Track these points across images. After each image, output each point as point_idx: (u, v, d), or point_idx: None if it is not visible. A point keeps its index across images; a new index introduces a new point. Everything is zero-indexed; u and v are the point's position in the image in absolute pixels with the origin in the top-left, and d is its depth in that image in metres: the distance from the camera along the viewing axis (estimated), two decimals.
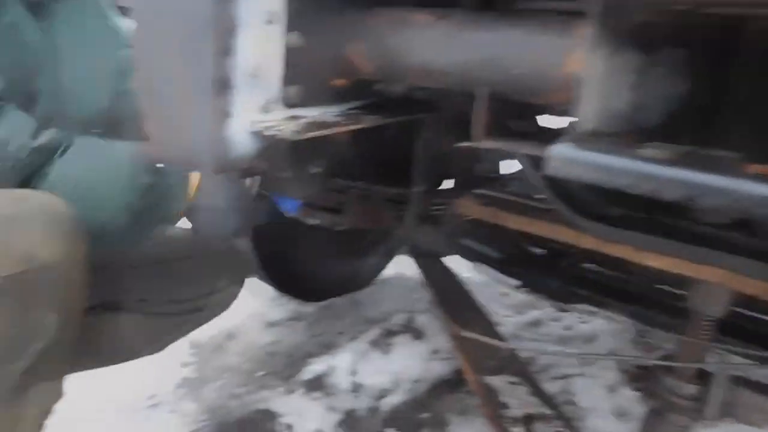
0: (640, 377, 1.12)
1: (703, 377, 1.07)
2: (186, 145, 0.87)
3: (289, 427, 1.71)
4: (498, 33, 0.81)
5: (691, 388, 1.06)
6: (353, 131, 1.05)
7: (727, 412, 1.04)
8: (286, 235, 2.05)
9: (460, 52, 0.83)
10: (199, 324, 1.45)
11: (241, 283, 1.50)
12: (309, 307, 2.32)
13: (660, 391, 1.08)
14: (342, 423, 1.74)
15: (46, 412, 1.02)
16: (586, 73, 0.55)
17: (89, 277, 1.00)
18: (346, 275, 2.36)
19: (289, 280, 2.18)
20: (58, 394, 1.02)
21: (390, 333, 2.17)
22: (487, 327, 1.85)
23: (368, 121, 1.01)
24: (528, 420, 1.68)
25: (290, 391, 1.85)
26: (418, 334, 2.18)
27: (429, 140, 1.24)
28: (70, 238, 0.91)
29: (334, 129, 0.92)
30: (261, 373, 1.93)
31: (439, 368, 2.00)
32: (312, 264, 2.21)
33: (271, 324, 2.22)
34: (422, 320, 2.23)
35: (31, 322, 0.88)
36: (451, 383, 1.95)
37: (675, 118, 0.63)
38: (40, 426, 1.02)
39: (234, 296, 1.49)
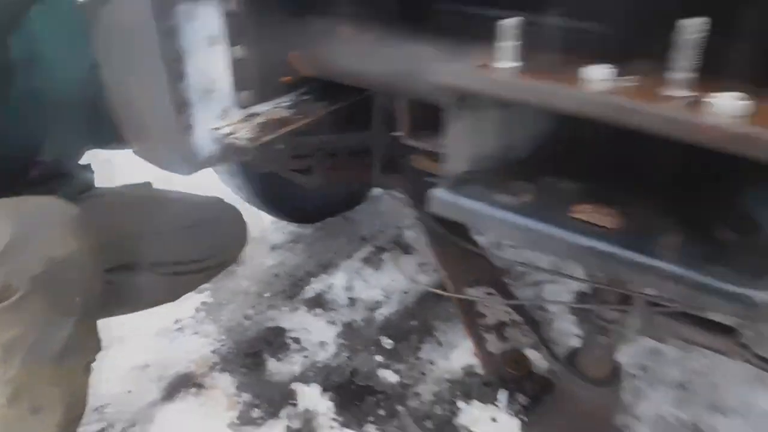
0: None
1: (626, 304, 1.27)
2: (159, 152, 1.04)
3: (297, 340, 1.99)
4: (410, 48, 0.93)
5: (613, 314, 1.27)
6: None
7: (645, 332, 1.26)
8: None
9: (379, 63, 0.96)
10: (206, 280, 1.67)
11: (240, 246, 1.69)
12: (306, 229, 2.53)
13: (591, 316, 1.30)
14: (341, 334, 2.02)
15: (90, 362, 1.27)
16: (448, 132, 0.70)
17: (114, 244, 1.21)
18: (338, 197, 2.55)
19: (284, 206, 2.38)
20: (98, 347, 1.27)
21: (381, 249, 2.40)
22: (468, 242, 2.05)
23: (319, 111, 1.15)
24: (500, 326, 1.93)
25: (295, 309, 2.11)
26: (406, 249, 2.40)
27: (384, 102, 1.36)
28: (80, 235, 1.10)
29: (286, 128, 1.06)
30: (268, 294, 2.19)
31: (426, 280, 2.24)
32: (304, 189, 2.39)
33: (274, 247, 2.45)
34: (410, 235, 2.45)
35: (63, 304, 1.10)
36: (433, 294, 2.20)
37: (543, 151, 0.77)
38: (88, 371, 1.28)
39: (234, 258, 1.70)
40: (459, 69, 0.66)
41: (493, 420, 1.64)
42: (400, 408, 1.71)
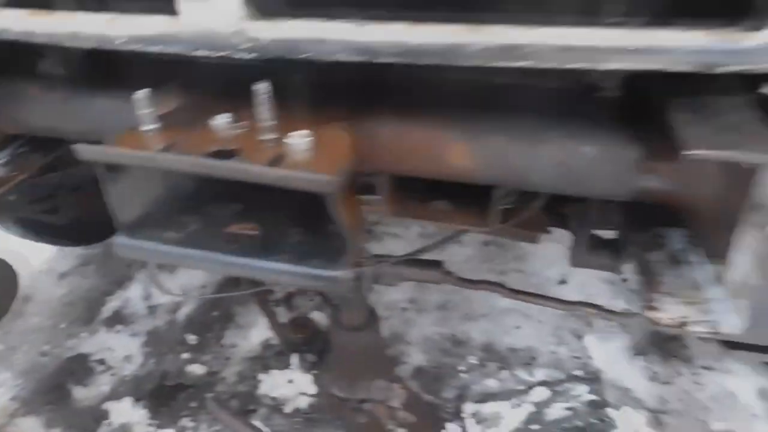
0: None
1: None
2: None
3: (101, 361, 2.04)
4: (94, 105, 1.05)
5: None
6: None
7: (379, 281, 1.53)
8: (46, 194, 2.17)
9: (67, 119, 1.07)
10: None
11: (11, 294, 1.69)
12: (95, 249, 2.52)
13: None
14: (146, 343, 2.11)
15: None
16: (107, 191, 0.85)
17: None
18: None
19: (62, 233, 2.34)
20: None
21: None
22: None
23: (35, 163, 1.22)
24: (288, 298, 2.16)
25: (94, 332, 2.15)
26: None
27: None
28: None
29: (1, 189, 1.14)
30: (63, 324, 2.19)
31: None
32: (81, 211, 2.37)
33: (63, 275, 2.42)
34: None
35: None
36: (233, 281, 2.35)
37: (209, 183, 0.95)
38: None
39: (5, 307, 1.70)
40: (91, 148, 0.81)
41: (290, 381, 1.88)
42: (208, 396, 1.88)
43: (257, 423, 1.75)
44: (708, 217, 0.85)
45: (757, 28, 0.68)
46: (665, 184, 0.85)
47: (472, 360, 1.96)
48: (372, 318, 1.72)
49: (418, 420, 1.71)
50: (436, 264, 1.55)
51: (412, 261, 1.56)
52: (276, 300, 2.15)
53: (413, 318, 2.12)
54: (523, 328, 2.07)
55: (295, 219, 0.92)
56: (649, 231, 0.98)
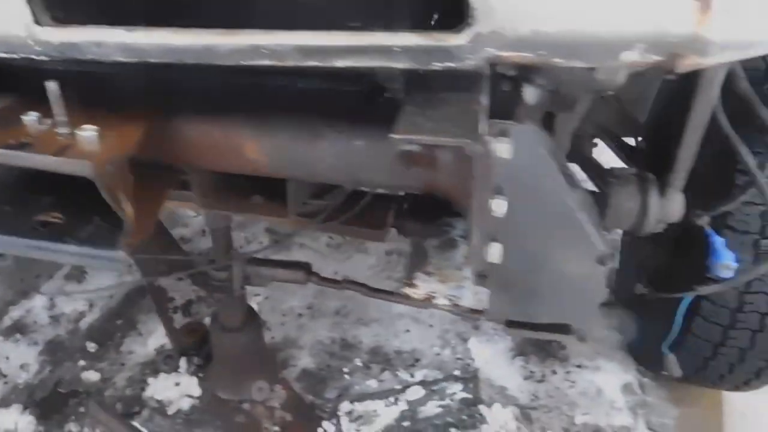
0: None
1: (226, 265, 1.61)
2: None
3: None
4: None
5: (222, 275, 1.59)
6: None
7: (249, 282, 1.60)
8: None
9: None
10: None
11: None
12: (5, 261, 2.55)
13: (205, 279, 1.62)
14: (44, 351, 2.13)
15: None
16: None
17: None
18: None
19: None
20: None
21: None
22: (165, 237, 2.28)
23: None
24: (187, 305, 2.21)
25: None
26: None
27: None
28: None
29: None
30: None
31: (129, 279, 2.43)
32: None
33: None
34: None
35: None
36: (142, 289, 2.40)
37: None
38: None
39: None
40: None
41: (177, 384, 1.92)
42: (95, 400, 1.91)
43: (137, 424, 1.79)
44: (461, 203, 0.94)
45: (458, 32, 0.79)
46: (424, 174, 0.95)
47: (358, 362, 2.02)
48: (250, 318, 1.78)
49: (294, 419, 1.77)
50: (302, 265, 1.63)
51: (278, 262, 1.63)
52: (175, 307, 2.19)
53: (307, 323, 2.19)
54: (412, 331, 2.14)
55: (100, 209, 1.00)
56: (439, 220, 1.08)
